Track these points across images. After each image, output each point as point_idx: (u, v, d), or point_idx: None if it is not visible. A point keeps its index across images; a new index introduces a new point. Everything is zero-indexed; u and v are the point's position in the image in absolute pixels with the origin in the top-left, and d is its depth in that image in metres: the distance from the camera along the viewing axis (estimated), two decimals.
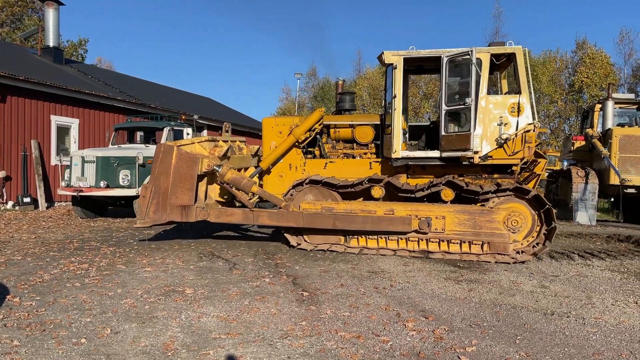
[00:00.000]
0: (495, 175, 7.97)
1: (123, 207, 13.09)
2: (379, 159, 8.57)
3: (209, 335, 4.13)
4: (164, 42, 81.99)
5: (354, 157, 8.82)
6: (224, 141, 9.34)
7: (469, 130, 7.42)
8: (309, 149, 9.08)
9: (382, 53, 7.98)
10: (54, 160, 16.29)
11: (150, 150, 12.86)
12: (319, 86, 44.38)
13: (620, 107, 15.53)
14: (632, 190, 13.42)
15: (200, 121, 20.93)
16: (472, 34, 60.41)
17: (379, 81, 38.12)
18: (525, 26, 53.66)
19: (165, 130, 13.32)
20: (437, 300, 5.35)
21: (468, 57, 7.39)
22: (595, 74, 33.19)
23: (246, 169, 9.68)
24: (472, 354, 3.86)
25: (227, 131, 10.20)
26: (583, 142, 14.93)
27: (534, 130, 7.48)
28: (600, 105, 15.29)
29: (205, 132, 22.83)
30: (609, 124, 14.14)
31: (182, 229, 10.42)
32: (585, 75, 33.63)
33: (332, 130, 8.97)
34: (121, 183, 11.81)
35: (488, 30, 63.12)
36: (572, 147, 15.42)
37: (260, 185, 8.97)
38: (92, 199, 12.48)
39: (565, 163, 16.86)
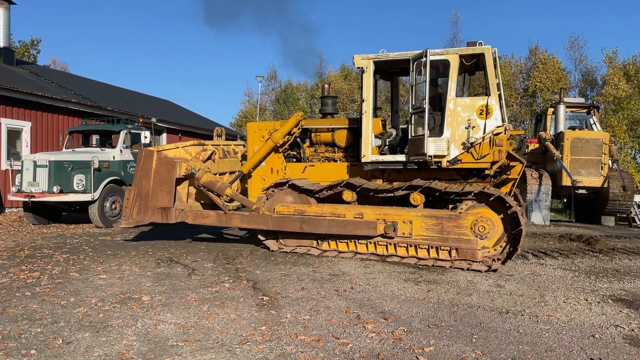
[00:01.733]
0: (471, 180, 7.83)
1: (78, 213, 12.67)
2: (356, 163, 8.44)
3: (166, 343, 4.04)
4: (123, 44, 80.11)
5: (335, 160, 8.80)
6: (214, 145, 9.42)
7: (422, 134, 7.34)
8: (292, 153, 9.07)
9: (353, 57, 7.94)
10: (4, 165, 15.60)
11: (106, 154, 12.55)
12: (280, 89, 44.31)
13: (571, 111, 16.15)
14: (583, 191, 13.98)
15: (159, 124, 20.50)
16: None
17: (341, 84, 38.36)
18: (481, 32, 55.10)
19: (122, 134, 13.01)
20: (396, 301, 5.40)
21: (425, 58, 7.17)
22: (548, 78, 34.36)
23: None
24: (430, 354, 3.92)
25: (219, 135, 10.32)
26: (537, 145, 15.42)
27: (504, 133, 7.28)
28: (552, 109, 15.85)
29: (164, 135, 22.41)
30: (561, 127, 14.67)
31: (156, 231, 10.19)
32: (539, 80, 34.79)
33: (312, 134, 8.97)
34: (76, 188, 11.44)
35: (446, 35, 64.35)
36: (526, 150, 15.93)
37: (245, 189, 9.01)
38: (45, 205, 12.03)
39: None
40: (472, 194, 7.11)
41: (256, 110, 40.01)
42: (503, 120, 7.32)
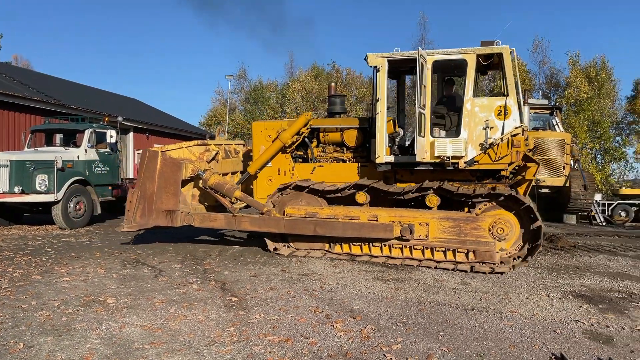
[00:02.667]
0: (486, 181, 7.65)
1: (41, 214, 12.32)
2: (367, 163, 8.26)
3: (132, 346, 3.97)
4: (89, 41, 78.22)
5: (344, 161, 8.60)
6: (217, 145, 9.14)
7: (440, 136, 7.24)
8: (299, 153, 8.86)
9: (366, 55, 7.71)
10: None
11: (70, 153, 12.24)
12: (250, 88, 43.97)
13: (535, 112, 16.55)
14: (546, 190, 14.34)
15: (126, 123, 20.12)
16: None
17: (311, 84, 38.33)
18: (450, 34, 55.94)
19: (87, 133, 12.70)
20: (365, 300, 5.45)
21: (456, 57, 7.06)
22: None
23: (242, 172, 9.48)
24: (397, 351, 3.96)
25: (220, 134, 9.98)
26: None
27: (522, 134, 7.16)
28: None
29: (131, 134, 22.00)
30: None
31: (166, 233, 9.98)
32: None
33: (321, 134, 8.75)
34: (38, 188, 11.11)
35: (415, 37, 65.14)
36: None
37: (251, 190, 8.74)
38: (6, 206, 11.65)
39: None
40: (503, 197, 6.97)
41: (226, 109, 39.64)
42: (521, 121, 7.22)
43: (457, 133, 7.36)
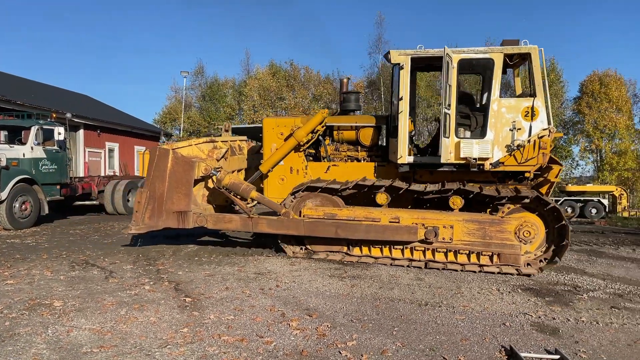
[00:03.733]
0: (509, 182, 7.54)
1: None
2: (384, 163, 8.09)
3: (79, 350, 3.83)
4: (37, 35, 74.90)
5: (358, 160, 8.40)
6: (223, 142, 8.77)
7: (465, 137, 7.10)
8: (310, 151, 8.60)
9: (389, 52, 7.52)
10: None
11: (16, 151, 11.73)
12: (207, 85, 43.27)
13: None
14: None
15: (76, 120, 19.41)
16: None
17: (269, 82, 38.12)
18: (404, 34, 56.77)
19: (33, 129, 12.19)
20: (321, 297, 5.45)
21: (483, 56, 6.86)
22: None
23: (246, 170, 9.21)
24: (352, 348, 3.99)
25: (226, 131, 9.51)
26: None
27: (548, 136, 6.98)
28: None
29: (81, 131, 21.25)
30: None
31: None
32: None
33: (335, 132, 8.52)
34: None
35: (372, 36, 65.92)
36: None
37: (260, 189, 8.36)
38: None
39: None
40: (529, 199, 6.89)
41: (181, 106, 38.92)
42: (549, 122, 7.05)
43: (482, 134, 7.15)
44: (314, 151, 8.67)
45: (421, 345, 4.08)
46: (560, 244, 6.80)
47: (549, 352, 3.97)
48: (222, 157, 8.44)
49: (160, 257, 7.74)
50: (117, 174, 21.29)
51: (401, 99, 7.37)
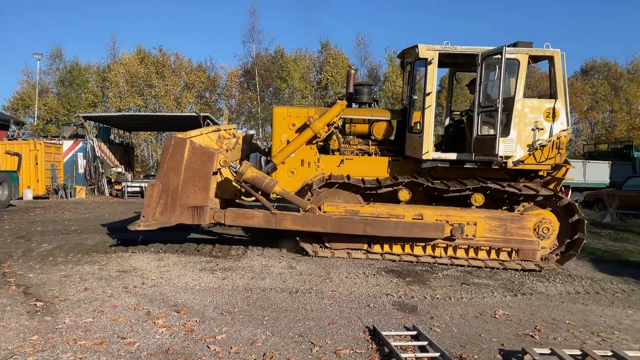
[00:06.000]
0: (521, 180, 7.69)
1: None
2: (399, 158, 7.96)
3: None
4: None
5: (368, 153, 8.20)
6: (225, 130, 7.94)
7: (492, 134, 7.08)
8: (320, 144, 8.12)
9: (416, 46, 7.39)
10: None
11: None
12: (65, 70, 39.50)
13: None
14: None
15: None
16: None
17: (136, 68, 35.91)
18: (281, 23, 57.03)
19: None
20: (190, 292, 5.29)
21: (500, 56, 6.87)
22: (338, 73, 37.25)
23: (240, 160, 8.31)
24: (221, 341, 3.92)
25: (227, 119, 8.36)
26: None
27: (566, 137, 7.22)
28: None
29: None
30: None
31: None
32: (330, 74, 37.50)
33: (347, 125, 8.21)
34: None
35: (245, 25, 65.06)
36: None
37: None
38: None
39: None
40: (554, 196, 7.13)
41: (35, 92, 35.18)
42: (568, 124, 7.25)
43: (506, 132, 7.18)
44: (322, 143, 8.37)
45: (290, 332, 4.14)
46: (574, 238, 7.16)
47: (407, 329, 4.25)
48: (232, 147, 7.92)
49: (8, 258, 6.93)
50: None
51: (429, 94, 7.38)
